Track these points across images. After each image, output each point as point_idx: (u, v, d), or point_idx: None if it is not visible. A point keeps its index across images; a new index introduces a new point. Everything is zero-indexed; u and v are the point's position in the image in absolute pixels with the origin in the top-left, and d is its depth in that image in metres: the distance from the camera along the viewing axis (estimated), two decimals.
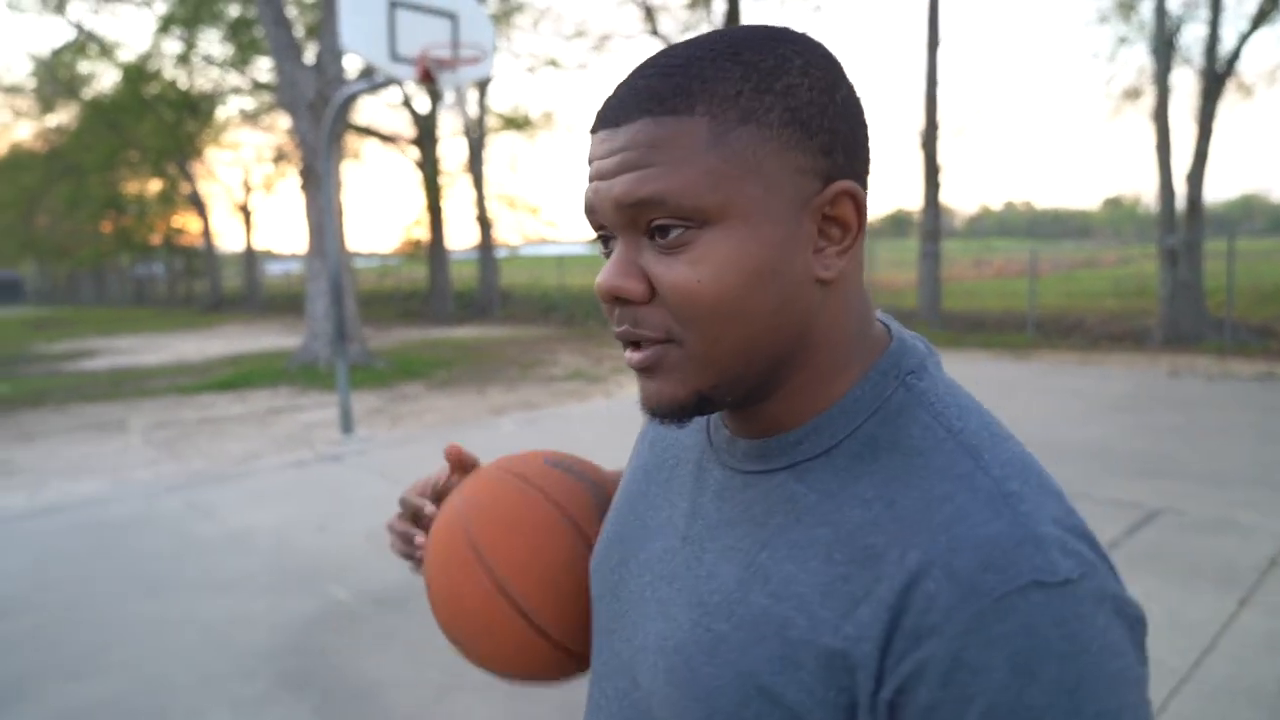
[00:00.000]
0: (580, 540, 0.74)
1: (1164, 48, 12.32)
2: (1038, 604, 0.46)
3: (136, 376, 12.12)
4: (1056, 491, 0.53)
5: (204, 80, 24.43)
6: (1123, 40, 15.85)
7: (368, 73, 10.38)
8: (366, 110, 26.82)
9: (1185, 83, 29.13)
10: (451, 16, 6.95)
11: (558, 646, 0.72)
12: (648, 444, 0.74)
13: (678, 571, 0.61)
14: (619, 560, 0.68)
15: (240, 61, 22.01)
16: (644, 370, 0.57)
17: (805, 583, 0.53)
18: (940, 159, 14.92)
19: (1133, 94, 15.11)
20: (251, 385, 10.56)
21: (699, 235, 0.53)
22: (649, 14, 17.97)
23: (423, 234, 24.28)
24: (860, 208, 0.55)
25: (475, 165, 22.24)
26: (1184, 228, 12.30)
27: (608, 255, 0.58)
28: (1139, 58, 26.20)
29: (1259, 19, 12.16)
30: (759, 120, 0.53)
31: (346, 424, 7.29)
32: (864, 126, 0.57)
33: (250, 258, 33.74)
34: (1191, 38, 28.10)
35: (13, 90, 28.30)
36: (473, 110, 22.30)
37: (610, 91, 0.57)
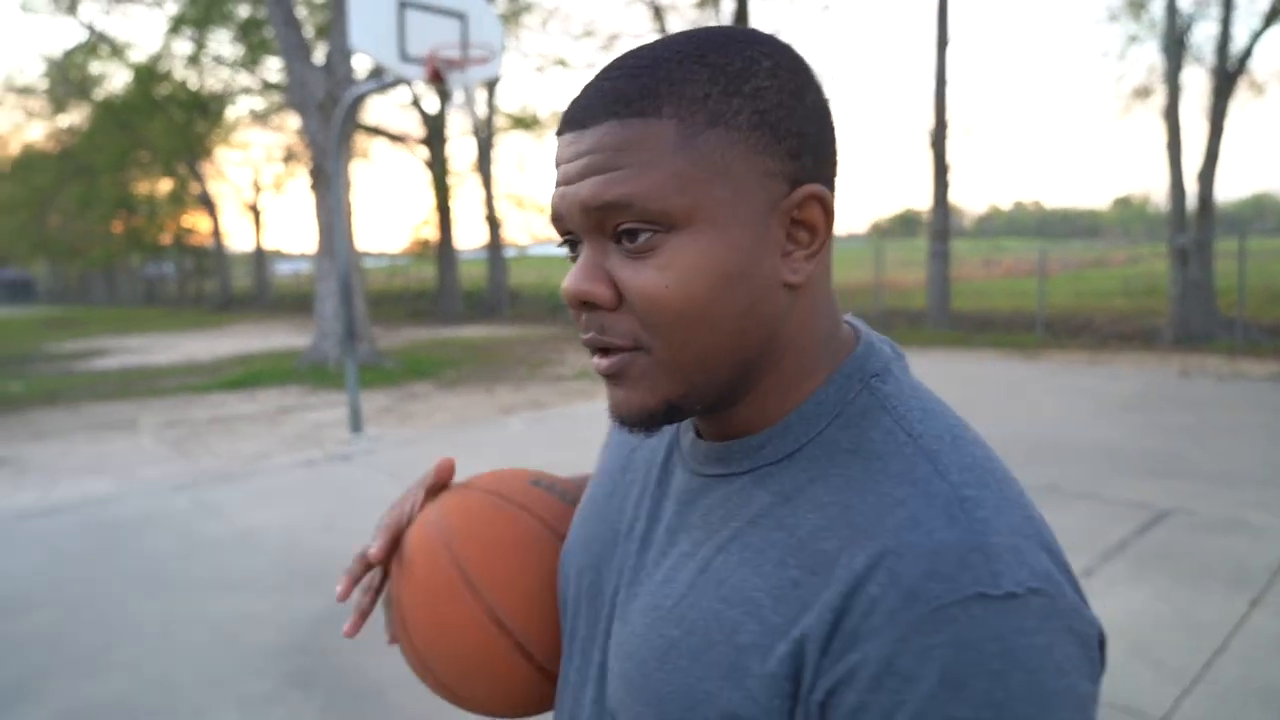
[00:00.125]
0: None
1: (1175, 46, 12.25)
2: (977, 617, 0.45)
3: (147, 376, 12.18)
4: (1018, 499, 0.52)
5: (214, 80, 24.55)
6: (1133, 39, 15.74)
7: (377, 73, 10.42)
8: (376, 110, 26.91)
9: (1196, 81, 28.95)
10: (460, 16, 6.96)
11: (540, 670, 0.71)
12: (614, 447, 0.74)
13: (638, 576, 0.61)
14: (590, 565, 0.67)
15: (250, 62, 22.10)
16: (612, 377, 0.56)
17: (758, 587, 0.52)
18: (949, 158, 14.85)
19: (1143, 93, 15.04)
20: (261, 384, 10.60)
21: (666, 239, 0.52)
22: (657, 13, 17.99)
23: (431, 234, 24.37)
24: (828, 211, 0.55)
25: (484, 165, 22.28)
26: (1195, 227, 12.24)
27: (574, 260, 0.57)
28: (1149, 56, 26.06)
29: (1271, 16, 12.08)
30: (727, 123, 0.52)
31: (356, 423, 7.31)
32: (832, 130, 0.57)
33: (260, 257, 33.90)
34: (1203, 36, 27.95)
35: (25, 91, 28.49)
36: (481, 110, 22.35)
37: (577, 93, 0.56)
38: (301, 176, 28.74)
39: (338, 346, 11.19)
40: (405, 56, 6.63)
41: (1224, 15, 12.13)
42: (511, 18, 19.77)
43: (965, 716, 0.44)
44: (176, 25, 20.88)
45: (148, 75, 23.62)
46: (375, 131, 22.36)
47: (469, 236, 47.83)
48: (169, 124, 25.61)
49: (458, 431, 7.45)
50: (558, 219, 0.56)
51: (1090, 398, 8.06)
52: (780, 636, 0.50)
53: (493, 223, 22.52)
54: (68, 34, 55.64)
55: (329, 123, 10.85)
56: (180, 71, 23.86)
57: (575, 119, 0.54)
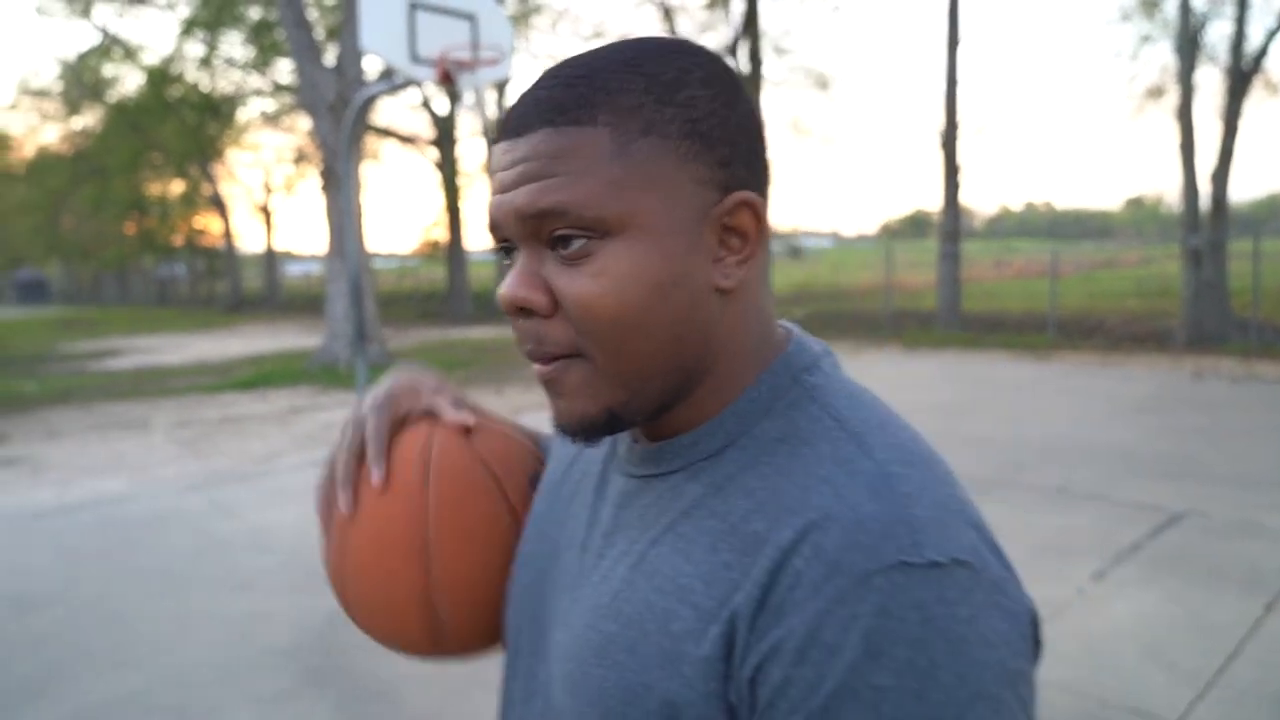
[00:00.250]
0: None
1: (1189, 45, 12.18)
2: (899, 585, 0.45)
3: (159, 376, 12.26)
4: (945, 478, 0.53)
5: (225, 82, 24.68)
6: (1146, 38, 15.70)
7: (387, 74, 10.45)
8: (386, 111, 26.97)
9: (1210, 81, 28.77)
10: (471, 18, 6.98)
11: (443, 647, 0.71)
12: (554, 462, 0.74)
13: (577, 582, 0.62)
14: (534, 581, 0.68)
15: (261, 64, 22.22)
16: (552, 387, 0.56)
17: (690, 574, 0.53)
18: (960, 159, 14.81)
19: (1156, 93, 14.95)
20: (272, 385, 10.65)
21: (601, 246, 0.53)
22: (667, 14, 18.01)
23: (441, 235, 24.41)
24: (759, 218, 0.56)
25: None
26: (1208, 227, 12.16)
27: (510, 267, 0.57)
28: (1162, 56, 25.95)
29: None
30: (660, 132, 0.53)
31: None
32: (762, 140, 0.58)
33: (270, 258, 34.06)
34: (1217, 35, 27.75)
35: (40, 94, 28.73)
36: (491, 111, 22.39)
37: (515, 102, 0.56)
38: (312, 178, 28.89)
39: (348, 347, 11.24)
40: (415, 58, 6.65)
41: (1239, 14, 12.06)
42: (521, 19, 19.82)
43: (889, 685, 0.44)
44: (189, 28, 21.02)
45: (160, 77, 23.78)
46: (386, 133, 22.44)
47: (479, 238, 47.73)
48: (181, 126, 25.77)
49: None
50: (495, 227, 0.57)
51: (1103, 399, 8.02)
52: (713, 619, 0.51)
53: None
54: (82, 37, 56.10)
55: (339, 124, 10.90)
56: (192, 74, 24.02)
57: (512, 127, 0.55)
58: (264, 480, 5.97)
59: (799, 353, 0.60)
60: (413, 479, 0.69)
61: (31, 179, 31.81)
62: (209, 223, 35.46)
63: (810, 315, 17.43)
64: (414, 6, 6.69)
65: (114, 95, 26.75)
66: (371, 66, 11.87)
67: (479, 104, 21.48)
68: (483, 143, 22.66)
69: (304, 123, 23.66)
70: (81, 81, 26.78)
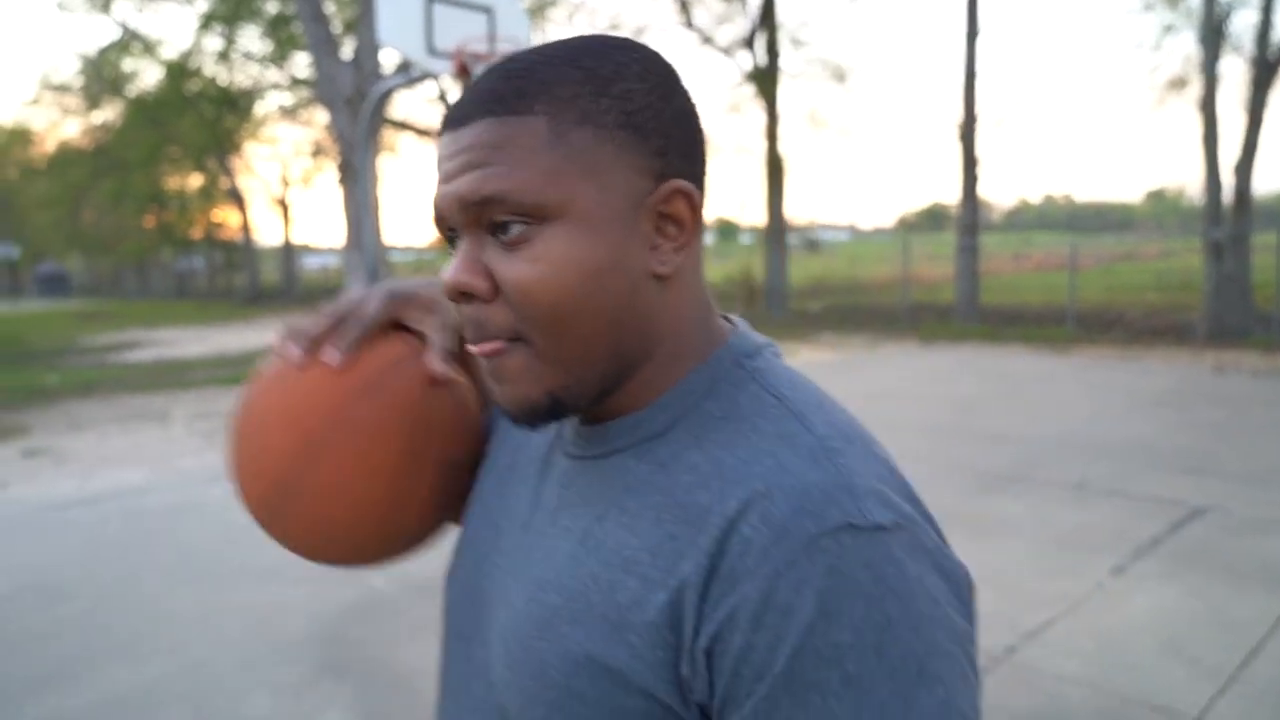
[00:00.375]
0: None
1: (1212, 35, 12.01)
2: (847, 546, 0.47)
3: (179, 368, 12.37)
4: (882, 456, 0.55)
5: (243, 76, 24.79)
6: (1169, 28, 15.47)
7: (404, 67, 10.47)
8: (403, 105, 27.07)
9: (1234, 71, 28.39)
10: (488, 10, 6.98)
11: (267, 528, 0.70)
12: (498, 447, 0.75)
13: (520, 560, 0.63)
14: (474, 563, 0.68)
15: (279, 57, 22.30)
16: (494, 370, 0.57)
17: (635, 546, 0.54)
18: (978, 151, 14.69)
19: (1178, 83, 14.75)
20: None
21: (539, 232, 0.54)
22: (684, 6, 17.91)
23: None
24: (694, 206, 0.58)
25: None
26: (1231, 220, 12.00)
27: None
28: (1186, 46, 25.65)
29: None
30: (596, 122, 0.54)
31: None
32: (699, 133, 0.60)
33: (288, 251, 34.24)
34: (1242, 24, 27.40)
35: (61, 89, 28.98)
36: None
37: (458, 97, 0.58)
38: (329, 171, 29.01)
39: None
40: (432, 51, 6.66)
41: (1264, 2, 11.87)
42: (538, 11, 19.80)
43: (847, 642, 0.46)
44: (207, 22, 21.12)
45: (179, 72, 23.91)
46: (403, 126, 22.46)
47: None
48: (199, 120, 25.93)
49: None
50: (439, 217, 0.58)
51: (1122, 393, 7.95)
52: (659, 587, 0.52)
53: None
54: (102, 32, 56.57)
55: (357, 117, 10.94)
56: (210, 68, 24.13)
57: (455, 119, 0.56)
58: None
59: (741, 341, 0.62)
60: (353, 382, 0.66)
61: (53, 173, 32.13)
62: (227, 216, 35.76)
63: (827, 308, 17.36)
64: (431, 0, 6.69)
65: (133, 90, 26.93)
66: (388, 60, 11.90)
67: None
68: None
69: (321, 116, 23.78)
70: (101, 76, 26.99)
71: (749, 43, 17.32)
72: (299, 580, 3.96)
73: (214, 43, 22.57)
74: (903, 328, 14.11)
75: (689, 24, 17.88)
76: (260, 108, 27.55)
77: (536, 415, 0.58)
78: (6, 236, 42.39)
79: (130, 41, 24.06)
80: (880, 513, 0.49)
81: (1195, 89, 13.06)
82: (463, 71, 6.69)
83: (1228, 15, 12.43)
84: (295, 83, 23.37)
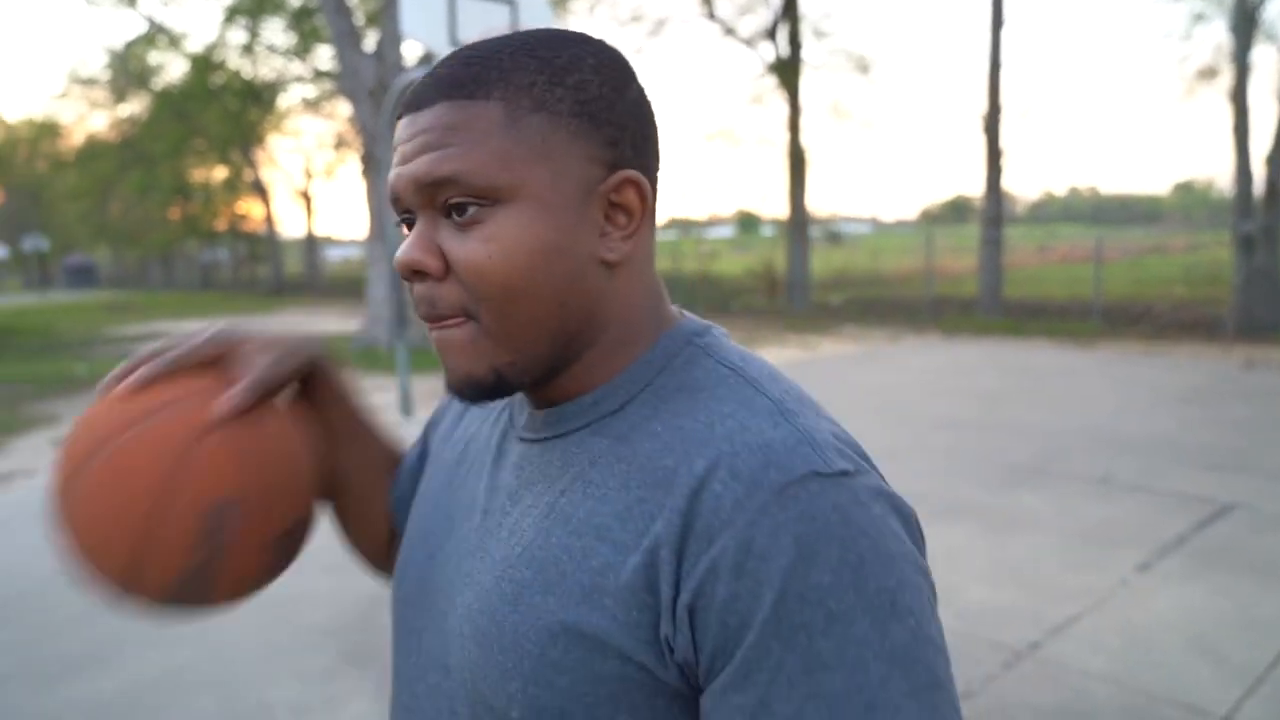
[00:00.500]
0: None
1: (1244, 24, 11.80)
2: (815, 492, 0.50)
3: None
4: (833, 420, 0.58)
5: (267, 69, 25.01)
6: (1199, 17, 15.19)
7: (427, 59, 10.50)
8: None
9: (1266, 60, 27.89)
10: (510, 2, 6.98)
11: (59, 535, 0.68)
12: (442, 444, 0.75)
13: (482, 543, 0.63)
14: (426, 557, 0.69)
15: (302, 50, 22.46)
16: (442, 346, 0.59)
17: (604, 514, 0.55)
18: (1003, 143, 14.53)
19: (1209, 73, 14.51)
20: None
21: (492, 213, 0.55)
22: None
23: None
24: (644, 196, 0.59)
25: None
26: (1262, 212, 11.80)
27: None
28: (1216, 35, 25.16)
29: None
30: (550, 109, 0.56)
31: (406, 406, 7.43)
32: (653, 125, 0.61)
33: (311, 243, 34.50)
34: (1275, 12, 26.87)
35: (89, 82, 29.32)
36: None
37: (417, 81, 0.59)
38: (352, 163, 29.19)
39: (389, 331, 11.37)
40: (455, 42, 6.68)
41: None
42: (560, 3, 19.79)
43: (827, 582, 0.48)
44: (231, 15, 21.30)
45: (204, 65, 24.13)
46: None
47: None
48: (224, 112, 26.17)
49: None
50: (396, 199, 0.59)
51: (1148, 388, 7.85)
52: (632, 550, 0.53)
53: None
54: (128, 26, 57.13)
55: (380, 109, 10.99)
56: (235, 61, 24.35)
57: (412, 103, 0.58)
58: None
59: (689, 323, 0.64)
60: (131, 413, 0.67)
61: (81, 166, 32.51)
62: (251, 208, 36.02)
63: (849, 301, 17.27)
64: None
65: (159, 83, 27.21)
66: (411, 52, 11.94)
67: None
68: None
69: (344, 108, 23.87)
70: (128, 69, 27.28)
71: (771, 34, 17.21)
72: (322, 571, 3.98)
73: (238, 36, 22.81)
74: (925, 321, 14.02)
75: (711, 15, 17.80)
76: (284, 100, 27.82)
77: (480, 390, 0.59)
78: (36, 229, 42.99)
79: (156, 35, 24.30)
80: (840, 461, 0.52)
81: (1226, 79, 12.84)
82: None
83: (1260, 3, 12.21)
84: (318, 75, 23.52)
